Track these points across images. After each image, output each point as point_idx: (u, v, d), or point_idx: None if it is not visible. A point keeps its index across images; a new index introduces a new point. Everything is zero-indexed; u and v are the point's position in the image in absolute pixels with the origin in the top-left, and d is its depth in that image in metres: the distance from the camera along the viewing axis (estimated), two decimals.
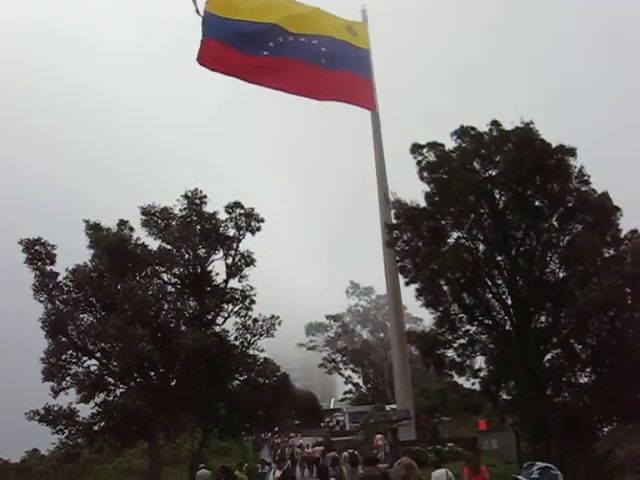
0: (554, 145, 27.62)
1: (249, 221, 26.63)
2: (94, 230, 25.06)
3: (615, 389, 25.97)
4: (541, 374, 26.78)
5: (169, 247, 25.57)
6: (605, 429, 27.13)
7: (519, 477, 3.04)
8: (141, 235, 26.48)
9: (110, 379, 24.39)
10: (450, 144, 29.57)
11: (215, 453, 36.71)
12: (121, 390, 24.33)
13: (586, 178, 27.87)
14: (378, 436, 35.75)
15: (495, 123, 28.94)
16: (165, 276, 25.88)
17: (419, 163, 29.22)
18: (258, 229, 26.82)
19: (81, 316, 24.39)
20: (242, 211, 26.62)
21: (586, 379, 28.81)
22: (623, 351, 24.99)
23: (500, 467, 32.18)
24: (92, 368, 24.24)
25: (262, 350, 27.00)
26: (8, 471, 32.99)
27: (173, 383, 24.36)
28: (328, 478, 23.05)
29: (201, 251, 25.99)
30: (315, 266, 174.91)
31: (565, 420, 26.52)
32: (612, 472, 20.17)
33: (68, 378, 23.52)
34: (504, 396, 30.34)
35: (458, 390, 57.04)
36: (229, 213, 26.59)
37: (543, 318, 28.80)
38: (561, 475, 2.83)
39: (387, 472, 17.02)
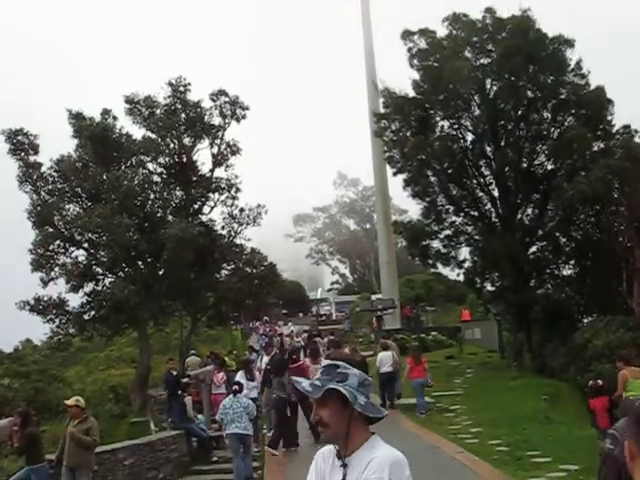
0: (551, 35, 26.99)
1: (234, 109, 26.06)
2: (77, 119, 24.52)
3: (597, 282, 26.52)
4: (525, 266, 27.23)
5: (154, 136, 25.12)
6: (585, 320, 27.87)
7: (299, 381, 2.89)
8: (125, 125, 25.99)
9: (98, 269, 24.49)
10: (442, 31, 28.87)
11: (204, 341, 37.48)
12: (110, 280, 24.47)
13: (583, 72, 27.42)
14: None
15: (489, 10, 28.12)
16: (150, 166, 25.54)
17: (409, 50, 28.57)
18: (243, 117, 26.30)
19: (67, 207, 24.19)
20: (227, 99, 26.02)
21: (569, 272, 29.40)
22: (607, 245, 25.33)
23: (482, 355, 33.23)
24: (80, 258, 24.27)
25: (249, 239, 27.07)
26: (2, 359, 33.68)
27: (161, 272, 24.50)
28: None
29: (186, 140, 25.55)
30: (302, 157, 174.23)
31: (547, 311, 27.21)
32: (590, 360, 20.82)
33: (57, 268, 23.56)
34: (488, 287, 30.92)
35: (443, 281, 58.19)
36: (214, 101, 26.01)
37: (529, 210, 29.04)
38: (354, 373, 2.74)
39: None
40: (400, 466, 2.63)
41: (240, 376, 14.16)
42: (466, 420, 16.49)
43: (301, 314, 60.57)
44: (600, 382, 12.80)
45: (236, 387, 12.29)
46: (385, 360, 18.54)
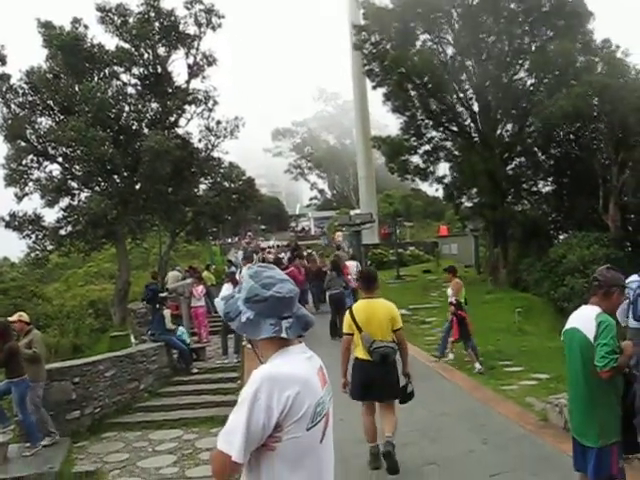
0: None
1: (209, 17, 25.20)
2: (46, 28, 23.61)
3: (574, 199, 26.72)
4: (503, 182, 27.29)
5: (127, 46, 24.29)
6: (561, 236, 28.22)
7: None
8: (97, 34, 25.13)
9: (73, 183, 24.11)
10: None
11: (183, 257, 37.61)
12: (86, 194, 24.17)
13: None
14: (338, 233, 36.85)
15: None
16: (124, 77, 24.78)
17: None
18: (219, 26, 25.46)
19: (39, 120, 23.57)
20: (202, 7, 25.14)
21: (547, 188, 29.55)
22: (585, 162, 25.38)
23: (458, 270, 33.70)
24: (54, 173, 23.83)
25: (226, 152, 26.71)
26: None
27: (138, 186, 24.20)
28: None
29: (161, 50, 24.75)
30: (282, 70, 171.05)
31: (524, 227, 27.50)
32: (563, 275, 21.24)
33: (31, 183, 23.17)
34: (466, 203, 31.09)
35: (421, 197, 58.46)
36: (188, 9, 25.10)
37: (509, 126, 28.91)
38: (247, 286, 2.62)
39: None
40: (274, 382, 2.37)
41: (226, 288, 14.21)
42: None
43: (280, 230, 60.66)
44: None
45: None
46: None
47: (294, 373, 2.42)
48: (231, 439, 2.35)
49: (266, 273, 2.61)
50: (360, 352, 7.10)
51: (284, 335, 2.50)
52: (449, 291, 13.48)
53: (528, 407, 9.31)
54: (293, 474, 2.40)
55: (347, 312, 7.38)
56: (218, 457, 2.40)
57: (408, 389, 7.25)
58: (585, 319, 4.62)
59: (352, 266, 19.06)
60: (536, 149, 28.10)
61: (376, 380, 7.00)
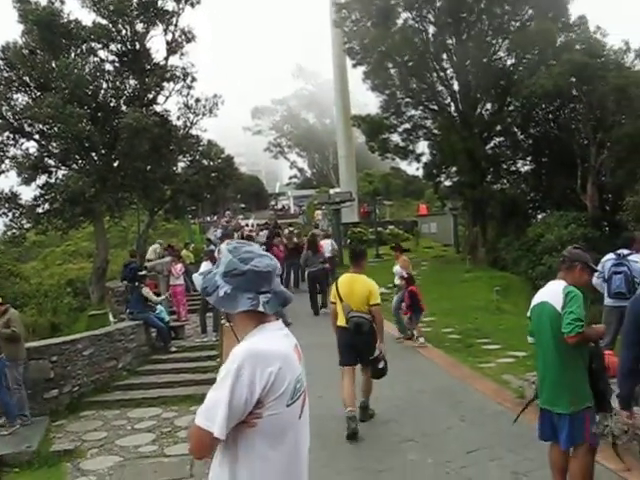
0: None
1: None
2: (21, 3, 23.16)
3: (552, 178, 26.92)
4: (483, 161, 27.42)
5: (105, 22, 23.89)
6: (539, 216, 28.47)
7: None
8: (74, 9, 24.71)
9: (50, 161, 23.77)
10: None
11: (162, 235, 37.32)
12: (63, 172, 23.87)
13: None
14: (317, 212, 36.90)
15: None
16: (102, 53, 24.35)
17: None
18: (198, 2, 25.12)
19: (15, 96, 23.18)
20: None
21: (526, 168, 29.78)
22: (564, 142, 25.54)
23: (437, 249, 33.92)
24: (31, 150, 23.46)
25: (205, 130, 26.44)
26: None
27: (116, 164, 23.94)
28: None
29: (139, 26, 24.35)
30: (262, 48, 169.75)
31: (502, 206, 27.69)
32: (541, 254, 21.46)
33: (7, 161, 22.84)
34: (445, 182, 31.23)
35: (401, 176, 58.57)
36: None
37: (489, 105, 28.99)
38: (225, 260, 2.61)
39: None
40: (257, 358, 2.36)
41: (205, 266, 14.13)
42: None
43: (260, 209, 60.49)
44: None
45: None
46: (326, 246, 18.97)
47: (275, 349, 2.42)
48: (212, 415, 2.33)
49: (245, 248, 2.59)
50: (341, 320, 7.78)
51: (261, 309, 2.49)
52: (396, 268, 13.57)
53: (505, 384, 9.41)
54: (273, 450, 2.39)
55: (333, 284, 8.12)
56: (197, 434, 2.38)
57: (380, 365, 7.68)
58: (553, 293, 4.82)
59: (326, 244, 19.07)
60: (515, 128, 28.26)
61: (353, 346, 7.70)
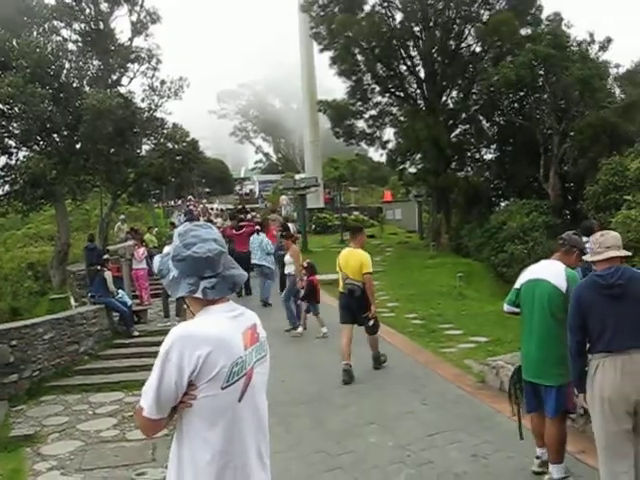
0: None
1: None
2: None
3: (515, 166, 27.23)
4: (447, 149, 27.55)
5: (68, 0, 23.51)
6: (502, 203, 28.79)
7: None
8: None
9: (11, 142, 23.30)
10: None
11: (126, 219, 36.96)
12: (24, 153, 23.43)
13: None
14: (282, 197, 36.82)
15: None
16: (65, 32, 23.94)
17: None
18: None
19: None
20: None
21: (490, 156, 30.06)
22: (528, 131, 25.82)
23: (402, 235, 34.14)
24: None
25: (170, 113, 26.13)
26: None
27: (78, 146, 23.54)
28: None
29: (104, 6, 23.97)
30: (228, 32, 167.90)
31: (466, 193, 27.95)
32: (504, 242, 21.75)
33: None
34: (410, 169, 31.37)
35: (367, 162, 58.65)
36: None
37: (454, 93, 29.16)
38: (176, 244, 2.65)
39: None
40: (186, 341, 2.38)
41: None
42: (384, 295, 17.04)
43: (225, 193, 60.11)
44: None
45: None
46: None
47: (207, 333, 2.43)
48: (145, 396, 2.45)
49: (193, 232, 2.62)
50: (341, 286, 9.51)
51: (199, 295, 2.51)
52: (287, 258, 13.55)
53: (467, 369, 9.53)
54: (210, 431, 2.44)
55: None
56: (137, 412, 2.51)
57: (370, 323, 9.33)
58: (555, 273, 5.21)
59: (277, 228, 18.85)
60: (480, 117, 28.48)
61: (349, 307, 9.37)
